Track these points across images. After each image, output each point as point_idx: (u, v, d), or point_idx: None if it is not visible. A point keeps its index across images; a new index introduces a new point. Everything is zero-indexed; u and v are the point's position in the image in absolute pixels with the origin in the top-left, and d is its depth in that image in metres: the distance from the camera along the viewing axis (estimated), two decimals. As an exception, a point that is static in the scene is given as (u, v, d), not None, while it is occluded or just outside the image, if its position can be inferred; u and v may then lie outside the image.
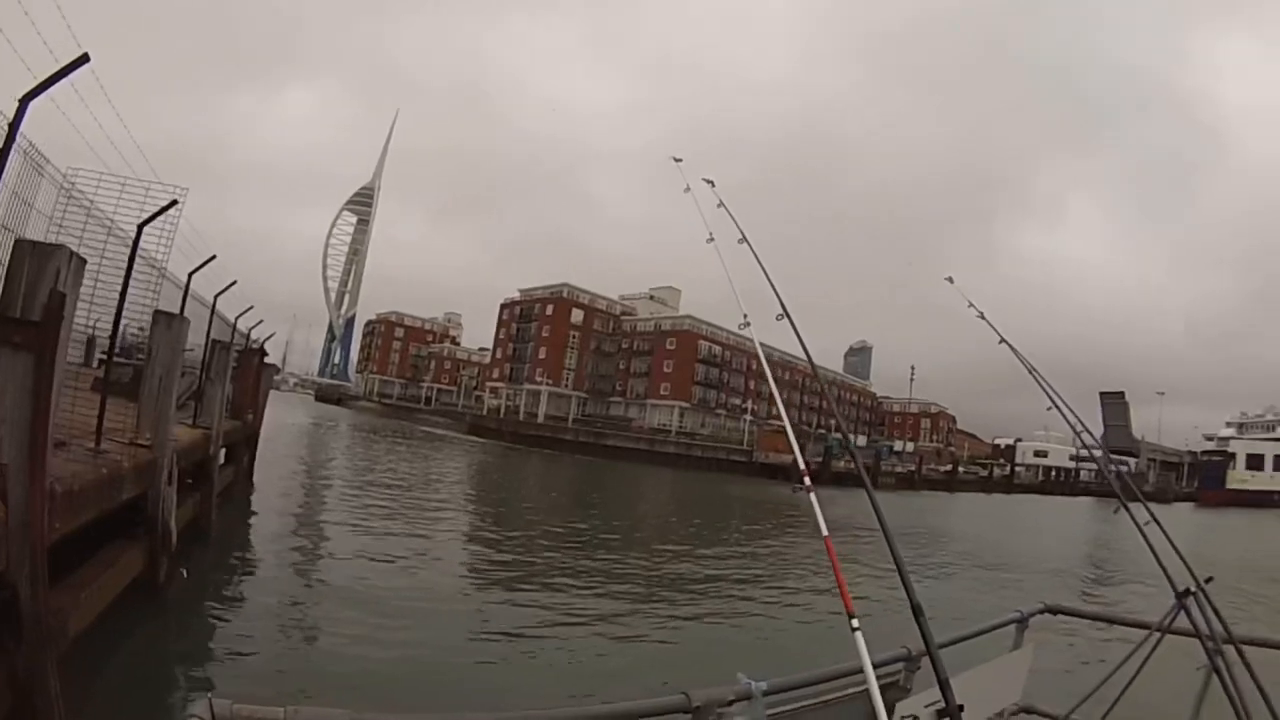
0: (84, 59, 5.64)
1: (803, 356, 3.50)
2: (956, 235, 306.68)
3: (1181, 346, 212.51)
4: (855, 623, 2.21)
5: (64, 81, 5.62)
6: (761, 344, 3.61)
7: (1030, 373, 4.73)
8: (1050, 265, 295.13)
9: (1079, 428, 4.76)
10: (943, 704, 2.20)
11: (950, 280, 5.15)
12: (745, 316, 3.61)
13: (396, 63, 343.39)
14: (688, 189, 4.34)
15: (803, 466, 2.74)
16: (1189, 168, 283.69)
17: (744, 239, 3.87)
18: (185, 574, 10.45)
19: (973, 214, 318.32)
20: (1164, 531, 3.92)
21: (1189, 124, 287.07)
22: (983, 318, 4.85)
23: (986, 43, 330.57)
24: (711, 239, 4.02)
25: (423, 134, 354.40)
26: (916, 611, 2.27)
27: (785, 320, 3.39)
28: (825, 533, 2.48)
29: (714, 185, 4.27)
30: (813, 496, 2.59)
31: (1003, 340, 4.78)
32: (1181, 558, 3.76)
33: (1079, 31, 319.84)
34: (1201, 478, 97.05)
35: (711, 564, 18.40)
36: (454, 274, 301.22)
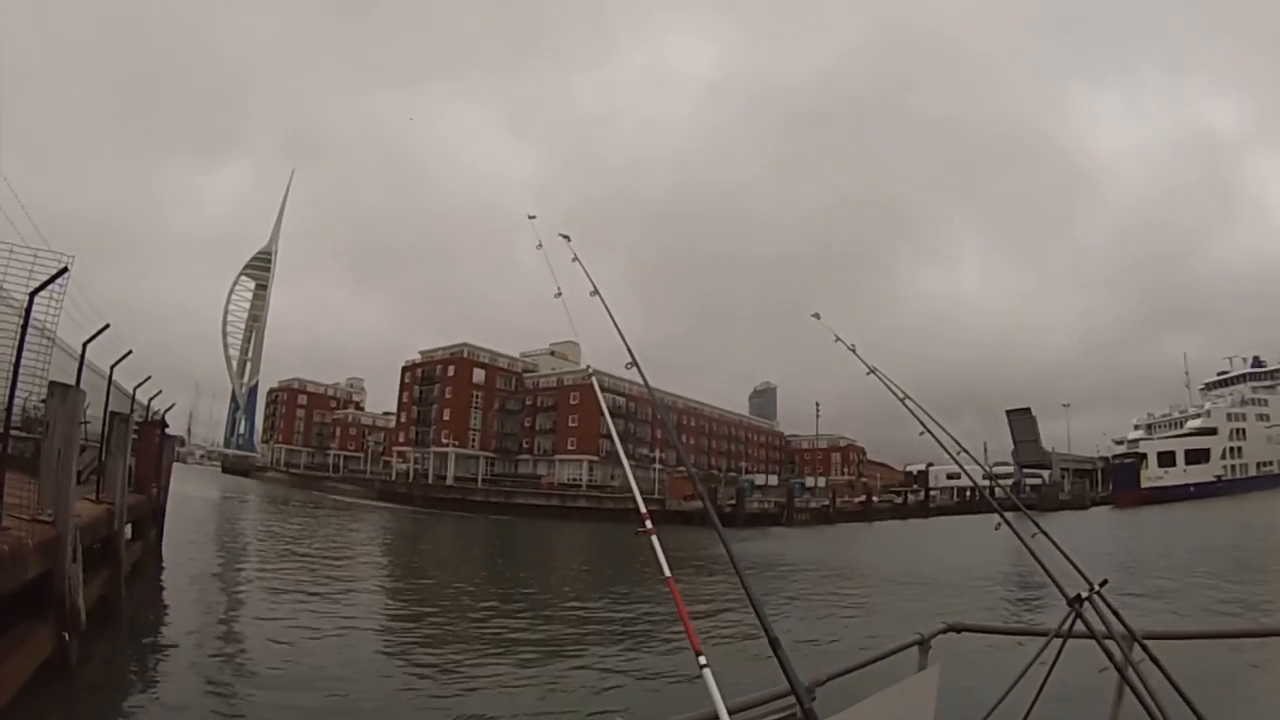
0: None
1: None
2: (861, 277, 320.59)
3: (1076, 361, 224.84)
4: (703, 660, 2.11)
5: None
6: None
7: (902, 401, 4.87)
8: (950, 300, 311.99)
9: (954, 450, 4.89)
10: None
11: (817, 316, 5.22)
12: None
13: (323, 134, 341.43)
14: (540, 245, 4.25)
15: (643, 510, 2.70)
16: (1065, 204, 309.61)
17: (595, 292, 3.88)
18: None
19: (875, 258, 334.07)
20: (1052, 540, 4.09)
21: (1066, 166, 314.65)
22: (853, 351, 4.98)
23: (882, 106, 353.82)
24: (559, 294, 3.98)
25: (334, 201, 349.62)
26: (774, 645, 2.28)
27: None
28: (668, 574, 2.43)
29: (569, 240, 4.21)
30: (654, 539, 2.54)
31: (871, 371, 4.93)
32: (1073, 564, 3.85)
33: (969, 91, 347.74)
34: (1115, 480, 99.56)
35: (619, 612, 18.58)
36: (356, 339, 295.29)
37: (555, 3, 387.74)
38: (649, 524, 2.58)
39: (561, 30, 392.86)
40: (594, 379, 4.24)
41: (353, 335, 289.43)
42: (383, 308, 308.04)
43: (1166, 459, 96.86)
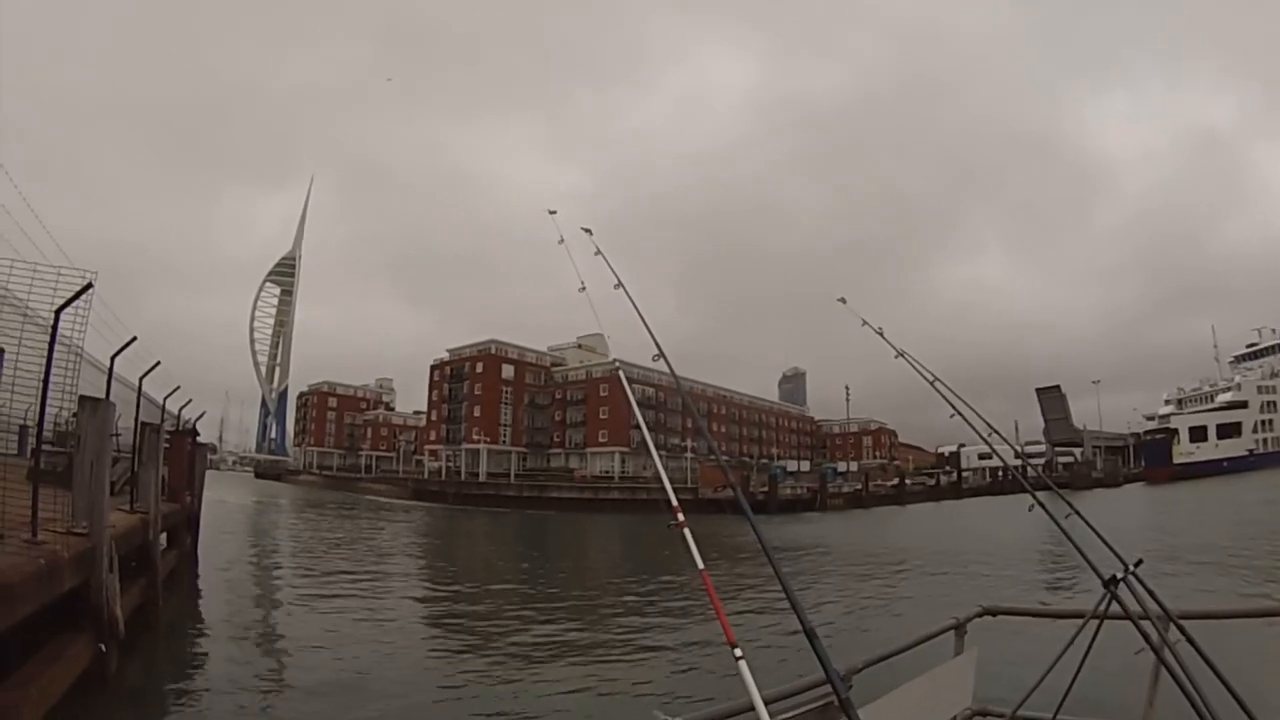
0: None
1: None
2: (889, 269, 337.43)
3: (1102, 340, 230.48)
4: (739, 652, 2.13)
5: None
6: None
7: (932, 384, 4.83)
8: (975, 288, 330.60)
9: (985, 431, 4.83)
10: None
11: (843, 301, 5.18)
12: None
13: (377, 159, 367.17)
14: (561, 240, 4.26)
15: (675, 503, 2.71)
16: (1082, 196, 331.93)
17: (619, 284, 3.86)
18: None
19: (902, 251, 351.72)
20: (1086, 521, 4.03)
21: (1081, 161, 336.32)
22: (880, 334, 4.96)
23: (904, 112, 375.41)
24: (583, 288, 3.99)
25: (381, 218, 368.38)
26: (810, 635, 2.28)
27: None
28: (701, 566, 2.44)
29: (591, 234, 4.22)
30: (687, 532, 2.55)
31: (900, 354, 4.89)
32: (1108, 545, 3.80)
33: (991, 97, 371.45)
34: (1147, 457, 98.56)
35: (654, 604, 18.50)
36: (396, 347, 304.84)
37: (599, 31, 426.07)
38: (681, 517, 2.61)
39: (605, 56, 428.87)
40: (620, 371, 4.21)
41: (393, 344, 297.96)
42: (426, 317, 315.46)
43: (1198, 434, 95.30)
